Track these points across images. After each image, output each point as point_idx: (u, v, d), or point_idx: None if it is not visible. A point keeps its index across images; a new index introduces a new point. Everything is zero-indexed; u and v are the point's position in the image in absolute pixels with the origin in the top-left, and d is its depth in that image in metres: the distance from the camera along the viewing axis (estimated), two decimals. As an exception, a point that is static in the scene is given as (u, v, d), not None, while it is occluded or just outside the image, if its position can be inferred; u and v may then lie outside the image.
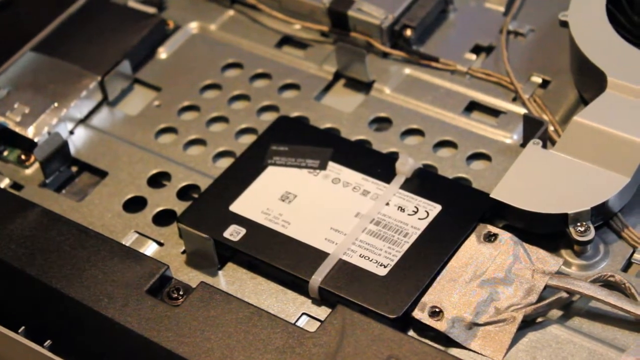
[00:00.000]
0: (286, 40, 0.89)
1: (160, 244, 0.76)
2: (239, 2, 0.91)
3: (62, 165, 0.82)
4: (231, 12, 0.91)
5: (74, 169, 0.82)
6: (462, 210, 0.73)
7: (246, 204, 0.75)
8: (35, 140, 0.81)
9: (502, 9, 0.87)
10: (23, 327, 0.71)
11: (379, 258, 0.71)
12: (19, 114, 0.82)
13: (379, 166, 0.77)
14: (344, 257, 0.72)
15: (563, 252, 0.72)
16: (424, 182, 0.75)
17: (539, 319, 0.69)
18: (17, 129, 0.82)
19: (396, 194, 0.75)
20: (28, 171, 0.82)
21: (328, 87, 0.85)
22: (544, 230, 0.72)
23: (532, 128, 0.75)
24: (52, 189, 0.81)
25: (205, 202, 0.76)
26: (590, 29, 0.78)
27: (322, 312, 0.71)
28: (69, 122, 0.83)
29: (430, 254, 0.71)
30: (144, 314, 0.69)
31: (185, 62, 0.88)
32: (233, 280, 0.73)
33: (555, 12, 0.81)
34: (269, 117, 0.83)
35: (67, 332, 0.71)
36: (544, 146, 0.74)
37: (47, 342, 0.70)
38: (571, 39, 0.78)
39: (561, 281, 0.68)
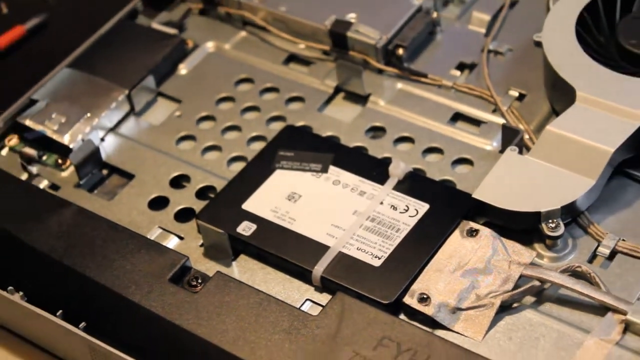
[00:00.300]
0: (292, 58, 0.89)
1: (181, 238, 0.77)
2: (251, 24, 0.91)
3: (94, 168, 0.82)
4: (243, 33, 0.91)
5: (105, 171, 0.82)
6: (448, 208, 0.73)
7: (257, 203, 0.76)
8: (71, 146, 0.82)
9: (483, 30, 0.87)
10: (61, 311, 0.71)
11: (374, 251, 0.72)
12: (56, 123, 0.82)
13: (374, 170, 0.77)
14: (343, 250, 0.72)
15: (536, 245, 0.72)
16: (414, 184, 0.75)
17: (515, 305, 0.69)
18: (55, 137, 0.82)
19: (389, 194, 0.75)
20: (64, 174, 0.82)
21: (329, 100, 0.85)
22: (520, 227, 0.72)
23: (510, 136, 0.76)
24: (86, 189, 0.81)
25: (220, 201, 0.76)
26: (562, 49, 0.78)
27: (324, 298, 0.71)
28: (100, 131, 0.84)
29: (419, 247, 0.72)
30: (167, 300, 0.69)
31: (202, 78, 0.88)
32: (245, 270, 0.74)
33: (530, 34, 0.81)
34: (277, 126, 0.83)
35: (99, 316, 0.71)
36: (520, 152, 0.75)
37: (82, 324, 0.70)
38: (544, 58, 0.78)
39: (534, 271, 0.69)
